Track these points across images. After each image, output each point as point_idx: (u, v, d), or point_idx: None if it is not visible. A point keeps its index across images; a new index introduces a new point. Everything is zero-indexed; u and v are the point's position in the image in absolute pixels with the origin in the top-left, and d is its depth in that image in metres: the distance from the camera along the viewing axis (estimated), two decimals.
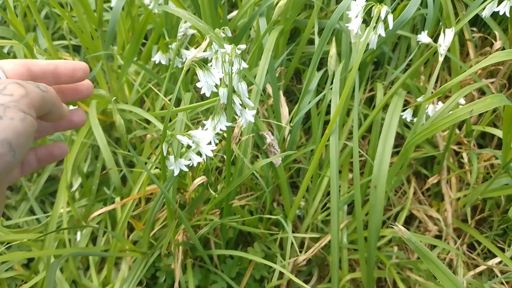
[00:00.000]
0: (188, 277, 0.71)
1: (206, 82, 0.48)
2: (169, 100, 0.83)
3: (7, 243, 0.78)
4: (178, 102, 0.92)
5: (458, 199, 0.88)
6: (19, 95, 0.30)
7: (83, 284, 0.77)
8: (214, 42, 0.57)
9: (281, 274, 0.75)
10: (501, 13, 0.70)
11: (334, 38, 0.70)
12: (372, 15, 0.61)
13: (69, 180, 0.82)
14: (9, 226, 0.85)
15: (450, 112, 0.64)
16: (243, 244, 0.84)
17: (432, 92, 0.70)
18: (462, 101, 0.77)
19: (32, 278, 0.76)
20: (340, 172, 0.84)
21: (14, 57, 0.98)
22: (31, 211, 0.89)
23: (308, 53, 0.97)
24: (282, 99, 0.80)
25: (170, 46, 0.81)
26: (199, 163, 0.55)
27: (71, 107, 0.72)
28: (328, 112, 0.72)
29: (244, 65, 0.49)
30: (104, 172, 0.84)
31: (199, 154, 0.52)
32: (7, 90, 0.30)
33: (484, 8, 0.72)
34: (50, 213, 0.76)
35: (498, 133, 0.83)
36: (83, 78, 0.38)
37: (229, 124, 0.52)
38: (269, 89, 0.80)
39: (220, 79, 0.49)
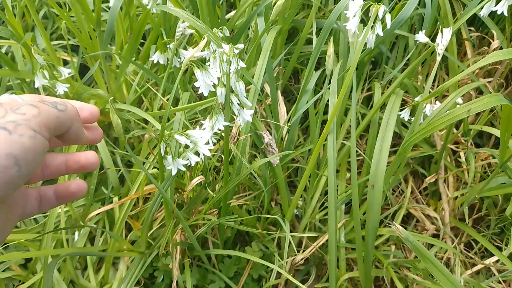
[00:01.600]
0: (186, 276, 0.71)
1: (204, 81, 0.48)
2: (167, 99, 0.83)
3: (5, 243, 0.78)
4: (176, 102, 0.92)
5: (456, 198, 0.88)
6: (31, 115, 0.30)
7: (81, 284, 0.77)
8: (212, 41, 0.57)
9: (279, 274, 0.75)
10: (499, 12, 0.70)
11: (332, 38, 0.71)
12: (370, 15, 0.61)
13: (66, 180, 0.82)
14: None
15: (448, 111, 0.64)
16: (241, 243, 0.84)
17: (429, 92, 0.70)
18: (459, 100, 0.78)
19: (30, 278, 0.76)
20: (338, 171, 0.84)
21: (12, 57, 0.98)
22: None
23: (306, 53, 0.97)
24: (280, 99, 0.80)
25: (168, 46, 0.81)
26: (197, 163, 0.55)
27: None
28: (326, 112, 0.72)
29: (242, 64, 0.49)
30: (102, 171, 0.84)
31: (197, 153, 0.52)
32: (20, 110, 0.30)
33: (482, 8, 0.73)
34: (47, 213, 0.75)
35: (496, 132, 0.83)
36: (90, 119, 0.39)
37: (227, 123, 0.52)
38: (267, 89, 0.80)
39: (218, 78, 0.50)
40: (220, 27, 0.59)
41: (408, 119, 0.82)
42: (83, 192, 0.39)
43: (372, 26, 0.60)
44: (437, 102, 0.77)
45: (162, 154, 0.52)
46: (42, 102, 0.32)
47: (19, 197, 0.35)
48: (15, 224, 0.35)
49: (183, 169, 0.53)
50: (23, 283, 0.75)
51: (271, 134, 0.78)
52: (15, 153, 0.28)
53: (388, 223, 0.85)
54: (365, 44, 0.62)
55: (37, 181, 0.38)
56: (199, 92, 0.50)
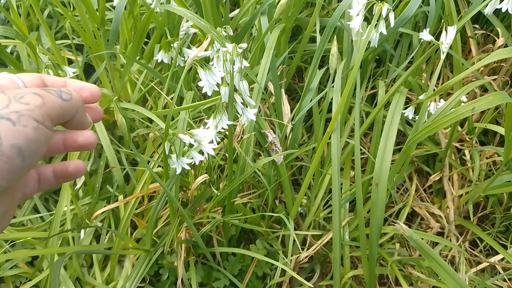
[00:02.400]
0: (191, 274, 0.72)
1: (207, 81, 0.49)
2: (171, 98, 0.83)
3: (12, 241, 0.78)
4: (180, 101, 0.92)
5: (460, 196, 0.88)
6: (34, 105, 0.30)
7: (87, 282, 0.77)
8: (216, 41, 0.57)
9: (284, 271, 0.75)
10: (503, 10, 0.70)
11: (335, 36, 0.71)
12: (373, 13, 0.61)
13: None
14: (13, 224, 0.86)
15: (452, 109, 0.64)
16: (245, 241, 0.84)
17: (434, 90, 0.70)
18: (464, 98, 0.77)
19: (36, 275, 0.76)
20: (342, 169, 0.84)
21: (18, 56, 0.99)
22: (35, 209, 0.90)
23: (310, 51, 0.97)
24: (284, 97, 0.80)
25: (172, 45, 0.81)
26: (201, 161, 0.55)
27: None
28: (329, 110, 0.72)
29: (245, 63, 0.49)
30: (107, 170, 0.85)
31: (201, 152, 0.53)
32: (24, 99, 0.31)
33: (486, 5, 0.72)
34: (54, 211, 0.76)
35: (501, 130, 0.83)
36: (90, 100, 0.38)
37: (230, 122, 0.53)
38: (271, 87, 0.80)
39: (222, 78, 0.50)
40: (224, 26, 0.59)
41: (413, 117, 0.82)
42: (81, 172, 0.39)
43: (375, 25, 0.60)
44: (442, 100, 0.77)
45: (167, 153, 0.53)
46: (46, 90, 0.32)
47: (21, 180, 0.35)
48: (16, 206, 0.35)
49: (188, 167, 0.53)
50: (30, 280, 0.76)
51: (275, 133, 0.78)
52: (19, 144, 0.29)
53: (393, 221, 0.85)
54: (369, 42, 0.62)
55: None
56: (203, 91, 0.50)
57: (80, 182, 0.89)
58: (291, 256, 0.75)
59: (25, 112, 0.30)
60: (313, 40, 0.96)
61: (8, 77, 0.34)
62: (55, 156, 0.90)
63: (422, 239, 0.81)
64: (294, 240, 0.69)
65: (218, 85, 0.50)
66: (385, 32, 0.60)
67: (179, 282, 0.68)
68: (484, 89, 0.96)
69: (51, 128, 0.32)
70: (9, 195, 0.33)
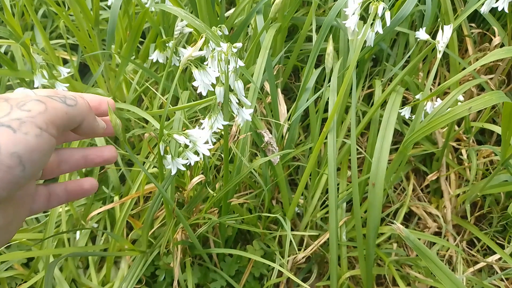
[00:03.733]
0: (187, 275, 0.71)
1: (202, 81, 0.48)
2: (167, 98, 0.82)
3: (7, 243, 0.78)
4: (176, 101, 0.92)
5: (458, 195, 0.88)
6: (37, 111, 0.29)
7: (83, 283, 0.77)
8: (211, 40, 0.57)
9: (281, 272, 0.75)
10: (499, 9, 0.70)
11: (331, 35, 0.70)
12: (369, 12, 0.60)
13: (67, 179, 0.82)
14: None
15: (449, 109, 0.63)
16: (242, 242, 0.84)
17: (430, 89, 0.70)
18: (460, 97, 0.77)
19: (32, 277, 0.76)
20: (338, 169, 0.84)
21: (12, 56, 0.98)
22: None
23: (306, 51, 0.96)
24: (280, 97, 0.79)
25: (167, 45, 0.81)
26: (197, 162, 0.54)
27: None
28: (326, 110, 0.72)
29: (240, 63, 0.49)
30: (102, 171, 0.84)
31: (196, 153, 0.52)
32: (26, 106, 0.29)
33: (482, 4, 0.72)
34: (49, 213, 0.76)
35: (497, 129, 0.83)
36: (107, 112, 0.39)
37: (226, 123, 0.52)
38: (267, 87, 0.80)
39: (217, 77, 0.49)
40: (219, 25, 0.59)
41: (409, 117, 0.81)
42: (95, 189, 0.39)
43: (371, 24, 0.59)
44: (438, 99, 0.77)
45: (162, 153, 0.52)
46: (50, 97, 0.31)
47: (27, 195, 0.34)
48: (23, 220, 0.34)
49: (183, 168, 0.52)
50: (25, 282, 0.76)
51: (271, 133, 0.78)
52: (20, 153, 0.28)
53: (390, 221, 0.84)
54: (365, 41, 0.62)
55: (54, 176, 0.38)
56: (198, 91, 0.50)
57: None
58: (288, 256, 0.74)
59: (26, 119, 0.28)
60: (309, 39, 0.95)
61: (24, 93, 0.33)
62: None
63: (419, 239, 0.81)
64: (291, 241, 0.69)
65: (213, 85, 0.50)
66: (381, 31, 0.60)
67: (175, 283, 0.67)
68: (480, 88, 0.96)
69: (55, 135, 0.30)
70: (12, 207, 0.32)
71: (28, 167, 0.28)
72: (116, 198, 0.82)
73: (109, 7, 0.83)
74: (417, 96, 0.80)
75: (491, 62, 0.92)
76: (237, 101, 0.51)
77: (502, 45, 0.87)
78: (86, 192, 0.39)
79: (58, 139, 0.32)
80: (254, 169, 0.74)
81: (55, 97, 0.31)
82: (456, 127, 0.92)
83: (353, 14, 0.60)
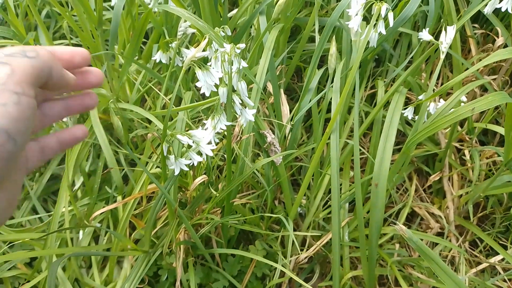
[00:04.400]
0: (190, 275, 0.72)
1: (205, 81, 0.48)
2: (170, 99, 0.83)
3: (10, 242, 0.78)
4: (179, 101, 0.92)
5: (460, 196, 0.88)
6: (4, 75, 0.27)
7: (86, 283, 0.77)
8: (214, 41, 0.57)
9: (283, 272, 0.75)
10: (503, 9, 0.69)
11: (334, 36, 0.70)
12: (372, 13, 0.61)
13: (71, 179, 0.82)
14: (11, 225, 0.86)
15: (452, 110, 0.63)
16: (244, 242, 0.84)
17: (433, 90, 0.70)
18: (463, 98, 0.77)
19: (35, 277, 0.76)
20: (341, 170, 0.84)
21: None
22: (34, 210, 0.89)
23: (309, 51, 0.96)
24: (283, 97, 0.80)
25: (170, 45, 0.81)
26: (200, 162, 0.55)
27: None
28: (329, 110, 0.72)
29: (244, 64, 0.49)
30: (105, 171, 0.84)
31: (199, 153, 0.52)
32: None
33: (486, 5, 0.72)
34: (52, 212, 0.76)
35: (501, 130, 0.83)
36: (83, 64, 0.36)
37: (229, 123, 0.52)
38: (270, 88, 0.80)
39: (220, 78, 0.49)
40: (222, 26, 0.59)
41: (412, 117, 0.81)
42: (86, 135, 0.38)
43: (374, 25, 0.59)
44: (441, 100, 0.77)
45: (165, 154, 0.52)
46: (10, 56, 0.29)
47: (20, 158, 0.33)
48: (21, 183, 0.33)
49: (186, 168, 0.53)
50: (28, 281, 0.76)
51: (274, 133, 0.78)
52: (5, 127, 0.26)
53: (392, 222, 0.84)
54: (368, 42, 0.62)
55: (37, 131, 0.36)
56: (201, 92, 0.50)
57: (78, 183, 0.89)
58: (291, 256, 0.74)
59: None
60: (312, 40, 0.95)
61: None
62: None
63: (422, 239, 0.81)
64: (293, 241, 0.69)
65: (216, 85, 0.50)
66: (384, 32, 0.60)
67: (178, 283, 0.67)
68: (483, 89, 0.96)
69: (33, 95, 0.28)
70: (12, 179, 0.30)
71: (18, 139, 0.27)
72: (119, 198, 0.82)
73: (112, 7, 0.83)
74: (420, 97, 0.80)
75: (494, 62, 0.92)
76: (240, 102, 0.51)
77: (505, 46, 0.87)
78: (78, 139, 0.38)
79: (37, 99, 0.30)
80: (256, 169, 0.74)
81: (14, 54, 0.29)
82: (459, 128, 0.91)
83: (356, 15, 0.60)
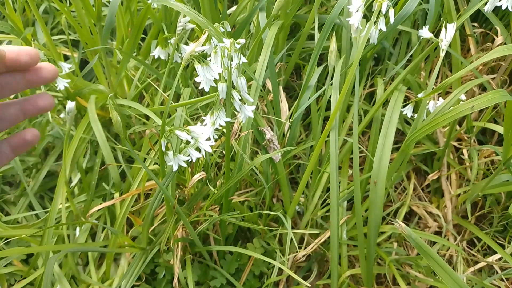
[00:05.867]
0: (187, 272, 0.71)
1: (205, 76, 0.48)
2: (168, 95, 0.82)
3: (6, 239, 0.78)
4: (177, 98, 0.91)
5: (458, 195, 0.88)
6: None
7: (82, 280, 0.77)
8: (214, 36, 0.57)
9: (281, 270, 0.74)
10: (503, 7, 0.69)
11: (334, 33, 0.70)
12: (373, 10, 0.60)
13: (68, 175, 0.82)
14: (8, 221, 0.85)
15: (451, 108, 0.63)
16: (242, 240, 0.84)
17: (433, 88, 0.70)
18: (463, 97, 0.77)
19: (31, 273, 0.76)
20: (340, 168, 0.84)
21: None
22: (30, 207, 0.89)
23: (308, 49, 0.96)
24: (282, 95, 0.79)
25: (169, 41, 0.81)
26: (198, 159, 0.54)
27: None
28: (328, 108, 0.72)
29: (243, 59, 0.48)
30: (103, 167, 0.84)
31: (198, 149, 0.52)
32: None
33: (486, 3, 0.72)
34: (49, 209, 0.75)
35: (499, 129, 0.83)
36: (30, 63, 0.35)
37: (228, 119, 0.52)
38: (269, 85, 0.80)
39: (219, 74, 0.49)
40: (222, 22, 0.58)
41: (411, 116, 0.81)
42: (38, 139, 0.38)
43: (375, 21, 0.59)
44: (440, 98, 0.77)
45: (163, 150, 0.52)
46: None
47: None
48: None
49: (184, 165, 0.52)
50: (24, 278, 0.76)
51: (272, 130, 0.78)
52: None
53: (391, 220, 0.84)
54: (368, 39, 0.61)
55: None
56: (200, 87, 0.50)
57: (75, 179, 0.88)
58: (289, 254, 0.74)
59: None
60: (311, 37, 0.95)
61: None
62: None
63: (420, 238, 0.81)
64: (291, 239, 0.69)
65: (215, 81, 0.50)
66: (384, 29, 0.60)
67: (175, 280, 0.67)
68: (482, 88, 0.96)
69: None
70: None
71: None
72: (116, 194, 0.82)
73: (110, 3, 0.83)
74: (419, 95, 0.80)
75: (493, 62, 0.92)
76: (240, 98, 0.51)
77: (504, 45, 0.87)
78: (29, 143, 0.37)
79: None
80: (255, 166, 0.74)
81: None
82: (458, 127, 0.91)
83: (357, 11, 0.60)
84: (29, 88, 0.38)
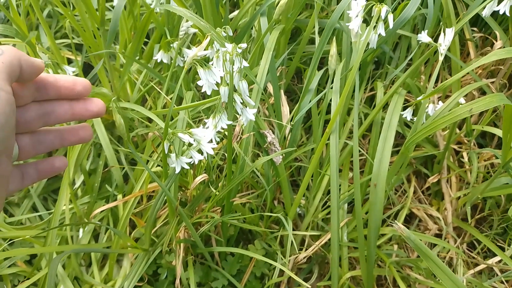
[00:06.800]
0: (189, 273, 0.72)
1: (207, 80, 0.49)
2: (171, 98, 0.83)
3: (10, 240, 0.78)
4: (180, 101, 0.92)
5: (458, 198, 0.88)
6: None
7: (85, 281, 0.77)
8: (216, 40, 0.57)
9: (282, 272, 0.75)
10: (501, 12, 0.70)
11: (334, 38, 0.71)
12: (372, 15, 0.61)
13: (71, 177, 0.83)
14: (12, 223, 0.86)
15: (450, 111, 0.64)
16: (244, 241, 0.84)
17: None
18: (462, 100, 0.78)
19: (35, 274, 0.76)
20: (340, 170, 0.84)
21: None
22: (34, 208, 0.90)
23: (309, 53, 0.97)
24: (283, 98, 0.80)
25: (171, 45, 0.82)
26: (200, 161, 0.55)
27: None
28: (328, 111, 0.72)
29: (245, 63, 0.49)
30: (106, 169, 0.85)
31: (200, 152, 0.53)
32: None
33: (484, 8, 0.73)
34: (52, 210, 0.76)
35: (498, 132, 0.83)
36: (83, 93, 0.38)
37: (230, 122, 0.53)
38: (270, 88, 0.81)
39: (221, 77, 0.50)
40: (224, 27, 0.59)
41: (411, 119, 0.82)
42: (65, 167, 0.39)
43: (374, 26, 0.60)
44: (440, 102, 0.78)
45: (166, 152, 0.53)
46: None
47: (4, 177, 0.34)
48: (3, 201, 0.34)
49: (187, 167, 0.53)
50: (28, 279, 0.76)
51: (274, 133, 0.78)
52: None
53: (391, 223, 0.85)
54: (368, 44, 0.62)
55: (30, 157, 0.38)
56: (203, 91, 0.51)
57: (79, 181, 0.89)
58: (290, 256, 0.75)
59: None
60: (312, 41, 0.96)
61: None
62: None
63: (420, 240, 0.81)
64: (292, 241, 0.69)
65: (217, 84, 0.50)
66: (383, 34, 0.60)
67: (177, 281, 0.68)
68: (482, 92, 0.97)
69: (10, 90, 0.29)
70: None
71: None
72: (119, 196, 0.82)
73: (114, 7, 0.84)
74: (419, 99, 0.81)
75: (492, 66, 0.92)
76: (241, 101, 0.52)
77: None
78: (56, 170, 0.39)
79: (17, 100, 0.30)
80: (256, 169, 0.74)
81: None
82: (457, 130, 0.92)
83: (357, 16, 0.61)
84: (74, 120, 0.40)
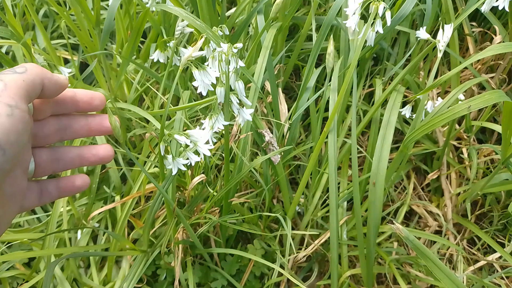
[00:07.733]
0: (188, 274, 0.72)
1: (202, 81, 0.48)
2: (167, 98, 0.82)
3: (8, 243, 0.78)
4: (177, 100, 0.92)
5: (458, 194, 0.88)
6: None
7: (84, 283, 0.77)
8: (211, 40, 0.57)
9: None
10: (500, 7, 0.70)
11: (332, 35, 0.70)
12: (370, 11, 0.60)
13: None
14: (10, 225, 0.86)
15: (449, 108, 0.63)
16: (243, 240, 0.84)
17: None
18: (461, 96, 0.77)
19: (33, 277, 0.76)
20: (339, 168, 0.84)
21: (13, 56, 0.98)
22: (32, 210, 0.89)
23: (307, 50, 0.96)
24: (281, 96, 0.80)
25: (168, 44, 0.81)
26: (198, 162, 0.55)
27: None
28: (327, 109, 0.72)
29: (241, 63, 0.49)
30: (104, 170, 0.84)
31: (197, 153, 0.52)
32: None
33: (483, 3, 0.72)
34: (50, 212, 0.76)
35: (498, 128, 0.83)
36: (100, 106, 0.39)
37: (226, 123, 0.52)
38: (268, 86, 0.80)
39: (217, 78, 0.49)
40: (220, 25, 0.59)
41: (410, 116, 0.81)
42: (87, 186, 0.39)
43: (372, 24, 0.59)
44: (439, 98, 0.77)
45: (162, 153, 0.52)
46: (1, 74, 0.30)
47: (18, 192, 0.34)
48: (13, 217, 0.34)
49: (184, 168, 0.53)
50: (27, 281, 0.76)
51: (272, 132, 0.78)
52: None
53: (390, 221, 0.85)
54: (365, 41, 0.62)
55: (48, 174, 0.38)
56: (198, 92, 0.50)
57: None
58: (289, 255, 0.75)
59: None
60: (310, 38, 0.95)
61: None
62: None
63: (420, 238, 0.81)
64: (291, 240, 0.69)
65: (213, 85, 0.50)
66: (381, 31, 0.60)
67: (176, 282, 0.68)
68: (481, 87, 0.96)
69: (26, 109, 0.29)
70: (4, 202, 0.32)
71: (8, 151, 0.27)
72: (117, 197, 0.82)
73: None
74: (417, 95, 0.80)
75: (492, 60, 0.92)
76: (238, 101, 0.51)
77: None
78: (78, 189, 0.38)
79: (36, 114, 0.31)
80: (255, 168, 0.74)
81: (5, 72, 0.31)
82: (457, 126, 0.92)
83: (354, 14, 0.60)
84: (89, 137, 0.40)
